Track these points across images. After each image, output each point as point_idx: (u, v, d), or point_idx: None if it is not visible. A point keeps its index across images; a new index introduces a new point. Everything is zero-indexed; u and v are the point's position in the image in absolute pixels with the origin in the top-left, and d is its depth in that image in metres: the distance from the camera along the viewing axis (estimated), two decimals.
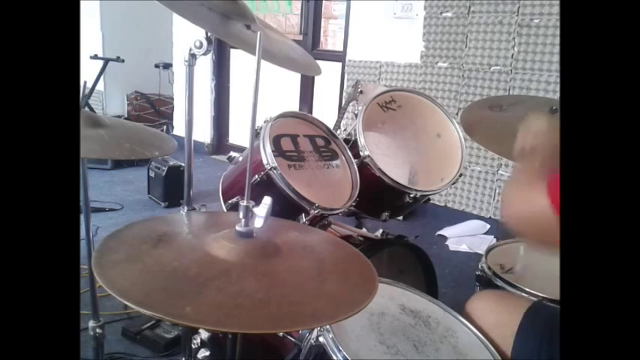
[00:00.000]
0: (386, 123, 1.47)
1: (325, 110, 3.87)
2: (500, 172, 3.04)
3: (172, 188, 3.11)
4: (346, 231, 1.55)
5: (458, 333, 1.01)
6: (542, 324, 0.97)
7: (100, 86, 4.50)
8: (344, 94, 3.66)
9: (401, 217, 3.12)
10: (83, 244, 0.97)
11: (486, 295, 1.18)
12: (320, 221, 1.35)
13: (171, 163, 3.12)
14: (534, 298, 1.13)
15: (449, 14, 3.08)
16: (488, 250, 1.43)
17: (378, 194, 1.40)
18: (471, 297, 1.14)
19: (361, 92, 2.01)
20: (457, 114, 3.02)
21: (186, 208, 1.24)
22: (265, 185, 1.17)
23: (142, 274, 0.65)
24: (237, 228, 0.72)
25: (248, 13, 1.09)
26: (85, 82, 1.09)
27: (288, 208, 1.19)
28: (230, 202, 1.27)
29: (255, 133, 1.24)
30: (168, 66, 4.90)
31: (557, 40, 2.71)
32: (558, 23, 2.68)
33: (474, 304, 1.11)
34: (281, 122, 1.31)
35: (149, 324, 1.77)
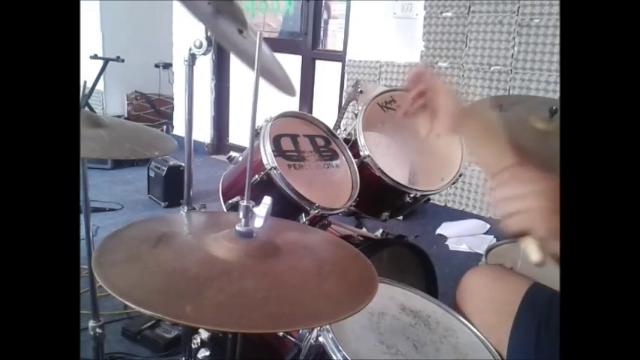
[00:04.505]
0: (386, 123, 1.47)
1: (325, 110, 3.87)
2: None
3: (172, 188, 3.11)
4: (346, 231, 1.55)
5: (458, 333, 1.01)
6: (539, 313, 0.97)
7: (100, 86, 4.50)
8: (344, 94, 3.66)
9: (401, 217, 3.12)
10: (83, 244, 0.97)
11: (484, 270, 1.18)
12: (320, 221, 1.35)
13: (171, 163, 3.12)
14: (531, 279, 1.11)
15: (449, 14, 3.08)
16: (488, 250, 1.43)
17: (378, 194, 1.40)
18: (468, 270, 1.14)
19: (361, 92, 2.01)
20: None
21: (186, 208, 1.24)
22: (265, 185, 1.18)
23: (142, 274, 0.65)
24: (237, 228, 0.72)
25: (241, 15, 1.08)
26: (85, 82, 1.09)
27: (288, 208, 1.19)
28: (230, 202, 1.27)
29: (255, 133, 1.24)
30: (168, 66, 4.89)
31: (557, 40, 2.71)
32: (558, 23, 2.68)
33: (470, 277, 1.11)
34: (281, 122, 1.31)
35: (149, 324, 1.77)
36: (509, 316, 0.99)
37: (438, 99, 0.91)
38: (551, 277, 0.90)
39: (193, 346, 1.07)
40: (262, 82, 1.04)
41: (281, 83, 1.14)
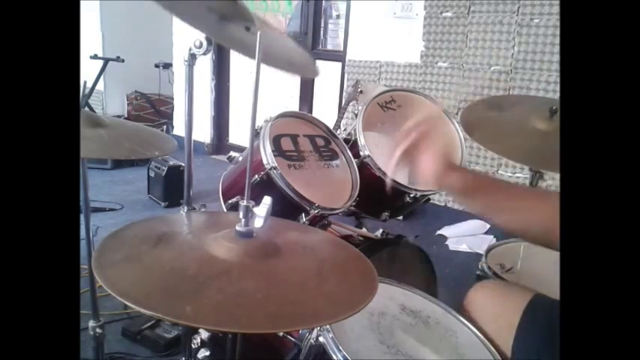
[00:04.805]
0: (386, 123, 1.47)
1: (325, 110, 3.87)
2: (500, 172, 3.03)
3: (172, 188, 3.11)
4: (346, 231, 1.55)
5: (458, 333, 1.01)
6: (542, 322, 0.97)
7: (100, 86, 4.50)
8: (344, 94, 3.66)
9: (401, 217, 3.12)
10: (83, 244, 0.97)
11: (488, 285, 1.18)
12: (320, 221, 1.35)
13: (171, 163, 3.11)
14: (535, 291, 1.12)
15: (449, 14, 3.08)
16: (488, 250, 1.43)
17: (378, 194, 1.40)
18: (472, 286, 1.14)
19: (361, 92, 2.01)
20: (457, 114, 3.02)
21: (186, 208, 1.24)
22: (265, 185, 1.18)
23: (142, 274, 0.65)
24: (237, 228, 0.72)
25: (247, 14, 1.08)
26: (85, 82, 1.09)
27: (288, 208, 1.19)
28: (230, 202, 1.27)
29: (255, 133, 1.24)
30: (168, 66, 4.89)
31: (557, 40, 2.71)
32: (558, 23, 2.68)
33: (475, 293, 1.11)
34: (281, 122, 1.31)
35: (149, 324, 1.77)
36: (513, 330, 0.99)
37: (430, 145, 0.89)
38: (554, 285, 0.90)
39: (193, 346, 1.07)
40: (282, 73, 1.06)
41: (302, 69, 1.14)
